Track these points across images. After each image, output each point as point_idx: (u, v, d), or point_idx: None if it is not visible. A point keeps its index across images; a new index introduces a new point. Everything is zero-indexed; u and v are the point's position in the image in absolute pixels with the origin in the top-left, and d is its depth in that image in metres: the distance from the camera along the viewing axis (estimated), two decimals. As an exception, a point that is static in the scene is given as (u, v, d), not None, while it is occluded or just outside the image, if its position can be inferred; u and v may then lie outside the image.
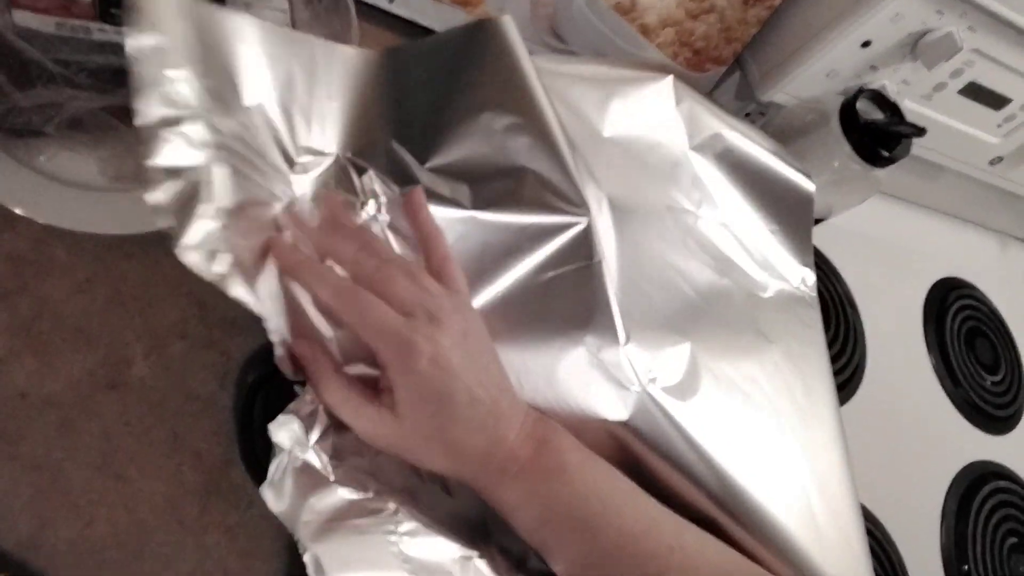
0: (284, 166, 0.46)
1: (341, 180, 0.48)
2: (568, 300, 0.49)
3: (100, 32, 0.50)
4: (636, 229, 0.55)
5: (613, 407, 0.48)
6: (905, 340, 0.91)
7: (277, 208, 0.44)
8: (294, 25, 0.57)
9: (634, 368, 0.49)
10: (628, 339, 0.49)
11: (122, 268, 0.52)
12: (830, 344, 0.81)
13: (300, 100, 0.48)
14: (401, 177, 0.48)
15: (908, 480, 0.80)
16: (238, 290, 0.39)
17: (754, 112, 0.80)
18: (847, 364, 0.83)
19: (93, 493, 0.47)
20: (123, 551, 0.47)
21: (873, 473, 0.75)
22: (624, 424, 0.48)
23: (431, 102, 0.51)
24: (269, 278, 0.42)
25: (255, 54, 0.46)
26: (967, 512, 0.81)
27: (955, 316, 0.95)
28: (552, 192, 0.50)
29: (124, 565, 0.47)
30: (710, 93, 0.78)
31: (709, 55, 0.75)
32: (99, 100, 0.50)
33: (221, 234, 0.38)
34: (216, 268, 0.38)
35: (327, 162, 0.48)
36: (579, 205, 0.50)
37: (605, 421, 0.48)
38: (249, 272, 0.40)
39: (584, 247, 0.50)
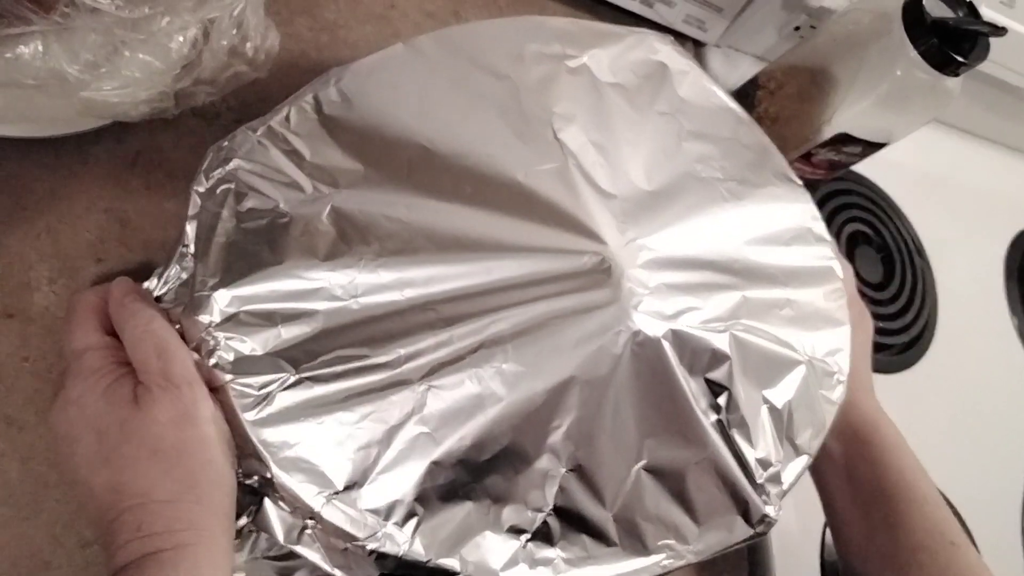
0: None
1: None
2: None
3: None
4: None
5: None
6: (984, 298, 0.81)
7: None
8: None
9: None
10: None
11: (28, 177, 0.45)
12: (892, 298, 0.71)
13: None
14: None
15: (986, 459, 0.72)
16: None
17: (804, 25, 0.70)
18: (914, 321, 0.72)
19: (-23, 439, 0.40)
20: (14, 509, 0.40)
21: (944, 449, 0.67)
22: None
23: None
24: None
25: None
26: (1055, 498, 0.72)
27: (1043, 272, 0.85)
28: None
29: (14, 525, 0.39)
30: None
31: (747, -46, 0.64)
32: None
33: None
34: None
35: None
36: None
37: None
38: None
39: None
